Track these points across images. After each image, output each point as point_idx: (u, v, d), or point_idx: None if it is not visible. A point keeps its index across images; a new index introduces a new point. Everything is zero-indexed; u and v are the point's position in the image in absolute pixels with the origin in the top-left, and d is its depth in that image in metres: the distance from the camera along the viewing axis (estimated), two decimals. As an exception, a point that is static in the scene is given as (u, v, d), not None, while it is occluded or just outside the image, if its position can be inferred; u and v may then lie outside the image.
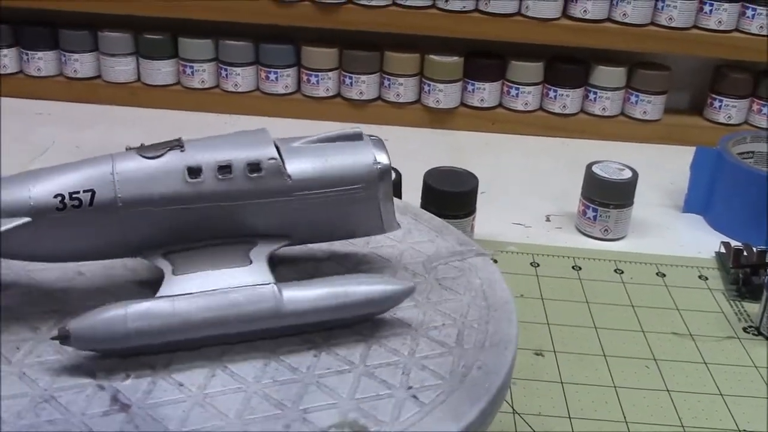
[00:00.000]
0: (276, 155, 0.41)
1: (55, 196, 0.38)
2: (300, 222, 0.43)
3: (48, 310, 0.41)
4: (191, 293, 0.39)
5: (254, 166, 0.41)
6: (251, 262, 0.41)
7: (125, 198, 0.39)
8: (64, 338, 0.37)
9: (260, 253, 0.42)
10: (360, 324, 0.42)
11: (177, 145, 0.40)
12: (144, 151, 0.40)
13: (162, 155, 0.40)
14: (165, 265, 0.40)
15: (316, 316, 0.40)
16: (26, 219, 0.38)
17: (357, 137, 0.44)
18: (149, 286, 0.42)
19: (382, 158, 0.43)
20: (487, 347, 0.41)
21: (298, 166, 0.42)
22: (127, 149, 0.41)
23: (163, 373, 0.38)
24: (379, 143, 0.44)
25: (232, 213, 0.41)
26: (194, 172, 0.40)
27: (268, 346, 0.40)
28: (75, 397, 0.36)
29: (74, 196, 0.38)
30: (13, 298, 0.42)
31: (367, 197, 0.43)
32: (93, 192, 0.39)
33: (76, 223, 0.39)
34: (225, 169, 0.40)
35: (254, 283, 0.40)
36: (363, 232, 0.45)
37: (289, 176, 0.41)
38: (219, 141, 0.42)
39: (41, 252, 0.40)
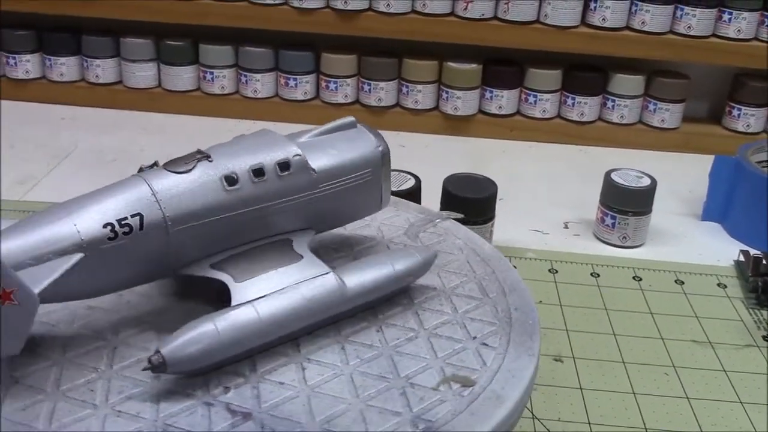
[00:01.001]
0: (300, 152, 0.43)
1: (105, 226, 0.37)
2: (322, 212, 0.45)
3: (92, 348, 0.40)
4: (265, 296, 0.39)
5: (284, 165, 0.42)
6: (302, 257, 0.42)
7: (173, 216, 0.39)
8: (158, 366, 0.36)
9: (302, 246, 0.43)
10: (396, 295, 0.45)
11: (204, 156, 0.41)
12: (172, 166, 0.40)
13: (193, 168, 0.40)
14: (222, 276, 0.40)
15: (373, 294, 0.43)
16: (79, 255, 0.36)
17: (352, 125, 0.46)
18: (174, 307, 0.43)
19: (381, 141, 0.47)
20: (507, 292, 0.47)
21: (317, 160, 0.44)
22: (146, 168, 0.41)
23: (257, 378, 0.38)
24: (371, 128, 0.47)
25: (267, 214, 0.42)
26: (231, 180, 0.40)
27: (331, 332, 0.42)
28: (191, 420, 0.36)
29: (123, 222, 0.37)
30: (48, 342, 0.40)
31: (374, 180, 0.46)
32: (141, 216, 0.38)
33: (127, 249, 0.38)
34: (258, 172, 0.41)
35: (315, 275, 0.41)
36: (365, 213, 0.48)
37: (314, 170, 0.43)
38: (239, 147, 0.42)
39: (92, 287, 0.38)
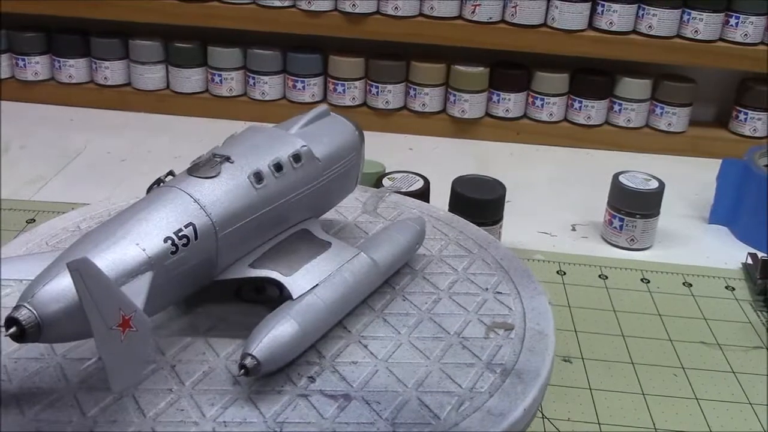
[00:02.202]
0: (306, 143, 0.44)
1: (165, 240, 0.37)
2: (323, 198, 0.46)
3: (148, 371, 0.39)
4: (318, 284, 0.40)
5: (296, 158, 0.43)
6: (330, 243, 0.43)
7: (218, 221, 0.39)
8: (254, 369, 0.36)
9: (320, 233, 0.44)
10: (401, 267, 0.48)
11: (224, 158, 0.41)
12: (198, 172, 0.40)
13: (221, 172, 0.40)
14: (269, 273, 0.41)
15: (396, 266, 0.46)
16: (150, 274, 0.36)
17: (326, 114, 0.47)
18: (176, 317, 0.43)
19: (356, 126, 0.49)
20: (484, 246, 0.52)
21: (316, 149, 0.45)
22: (164, 178, 0.41)
23: (330, 363, 0.40)
24: (342, 115, 0.49)
25: (288, 207, 0.43)
26: (259, 178, 0.41)
27: (365, 310, 0.44)
28: (300, 413, 0.36)
29: (181, 234, 0.37)
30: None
31: (356, 162, 0.49)
32: (193, 225, 0.38)
33: (187, 261, 0.38)
34: (278, 167, 0.42)
35: (350, 257, 0.43)
36: (346, 194, 0.50)
37: (319, 159, 0.44)
38: (249, 145, 0.43)
39: (155, 305, 0.37)
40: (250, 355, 0.36)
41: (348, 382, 0.38)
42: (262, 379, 0.38)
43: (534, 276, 0.49)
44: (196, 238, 0.38)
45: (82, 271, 0.30)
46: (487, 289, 0.47)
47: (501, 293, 0.47)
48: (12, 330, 0.32)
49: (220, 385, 0.38)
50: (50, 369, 0.38)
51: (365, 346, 0.41)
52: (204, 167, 0.40)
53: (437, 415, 0.37)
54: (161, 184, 0.41)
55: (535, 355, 0.41)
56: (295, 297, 0.39)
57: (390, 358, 0.40)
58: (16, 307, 0.32)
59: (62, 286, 0.32)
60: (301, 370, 0.39)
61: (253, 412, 0.36)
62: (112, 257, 0.35)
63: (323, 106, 0.48)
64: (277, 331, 0.37)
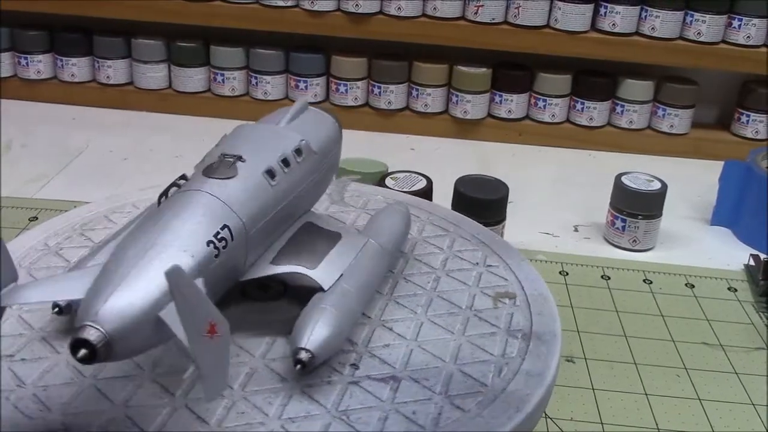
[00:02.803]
0: (303, 137, 0.44)
1: (208, 244, 0.36)
2: (318, 190, 0.47)
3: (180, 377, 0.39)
4: (343, 275, 0.41)
5: (298, 152, 0.43)
6: (339, 233, 0.44)
7: (247, 221, 0.39)
8: (309, 362, 0.36)
9: (325, 224, 0.45)
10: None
11: (236, 157, 0.41)
12: (215, 173, 0.39)
13: (237, 172, 0.40)
14: (293, 268, 0.41)
15: (397, 249, 0.48)
16: (200, 279, 0.35)
17: (306, 108, 0.47)
18: None
19: (335, 118, 0.49)
20: (455, 223, 0.55)
21: (312, 143, 0.45)
22: (180, 182, 0.40)
23: (364, 348, 0.41)
24: (320, 109, 0.49)
25: (295, 201, 0.43)
26: (272, 174, 0.41)
27: (376, 295, 0.45)
28: (358, 399, 0.37)
29: (220, 237, 0.37)
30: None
31: (339, 154, 0.50)
32: (228, 227, 0.37)
33: (225, 263, 0.37)
34: (286, 162, 0.42)
35: (362, 245, 0.44)
36: (328, 185, 0.50)
37: (316, 152, 0.45)
38: (251, 143, 0.43)
39: None
40: (304, 349, 0.36)
41: (389, 364, 0.40)
42: (300, 371, 0.38)
43: (511, 245, 0.52)
44: (232, 239, 0.37)
45: (178, 279, 0.30)
46: (477, 263, 0.50)
47: (491, 266, 0.50)
48: (82, 353, 0.30)
49: (269, 384, 0.38)
50: (87, 391, 0.36)
51: (391, 329, 0.43)
52: (219, 168, 0.40)
53: (483, 383, 0.39)
54: (176, 187, 0.40)
55: (544, 317, 0.45)
56: (326, 288, 0.40)
57: (418, 337, 0.42)
58: (80, 328, 0.31)
59: (125, 300, 0.32)
60: (341, 359, 0.40)
61: (312, 404, 0.36)
62: (167, 266, 0.34)
63: (303, 101, 0.48)
64: (323, 322, 0.38)
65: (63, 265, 0.47)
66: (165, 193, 0.41)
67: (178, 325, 0.30)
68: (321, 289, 0.40)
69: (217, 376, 0.31)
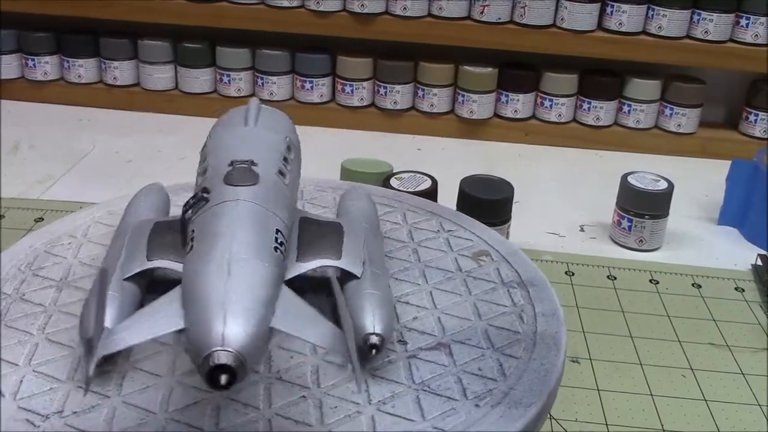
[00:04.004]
0: (288, 134, 0.44)
1: (276, 251, 0.36)
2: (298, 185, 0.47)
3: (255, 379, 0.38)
4: (366, 261, 0.42)
5: (289, 149, 0.43)
6: (340, 224, 0.44)
7: (287, 223, 0.39)
8: (381, 344, 0.37)
9: (319, 216, 0.45)
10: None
11: (250, 162, 0.40)
12: (238, 181, 0.39)
13: (259, 177, 0.39)
14: (322, 262, 0.41)
15: (378, 225, 0.48)
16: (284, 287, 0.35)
17: (260, 107, 0.46)
18: None
19: (285, 114, 0.48)
20: (404, 200, 0.55)
21: (290, 138, 0.45)
22: (203, 195, 0.39)
23: (398, 325, 0.42)
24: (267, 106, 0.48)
25: (294, 197, 0.43)
26: (283, 175, 0.41)
27: None
28: (426, 369, 0.39)
29: (279, 241, 0.37)
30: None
31: (299, 147, 0.49)
32: (279, 231, 0.38)
33: (283, 268, 0.37)
34: (286, 161, 0.42)
35: (363, 231, 0.45)
36: None
37: (297, 148, 0.45)
38: (248, 146, 0.42)
39: None
40: (373, 333, 0.37)
41: (429, 333, 0.41)
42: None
43: (454, 211, 0.54)
44: (286, 240, 0.38)
45: (336, 285, 0.32)
46: (438, 231, 0.51)
47: (451, 230, 0.51)
48: (225, 378, 0.30)
49: (339, 376, 0.38)
50: (170, 425, 0.35)
51: (408, 303, 0.44)
52: (240, 176, 0.39)
53: (516, 330, 0.42)
54: (204, 201, 0.39)
55: (525, 264, 0.48)
56: (359, 275, 0.41)
57: (437, 305, 0.43)
58: (208, 357, 0.30)
59: (242, 317, 0.31)
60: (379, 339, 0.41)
61: (391, 384, 0.37)
62: (258, 279, 0.34)
63: (256, 100, 0.47)
64: (378, 305, 0.38)
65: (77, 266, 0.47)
66: (191, 206, 0.39)
67: (296, 329, 0.32)
68: (354, 277, 0.41)
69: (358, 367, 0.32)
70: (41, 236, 0.48)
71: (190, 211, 0.39)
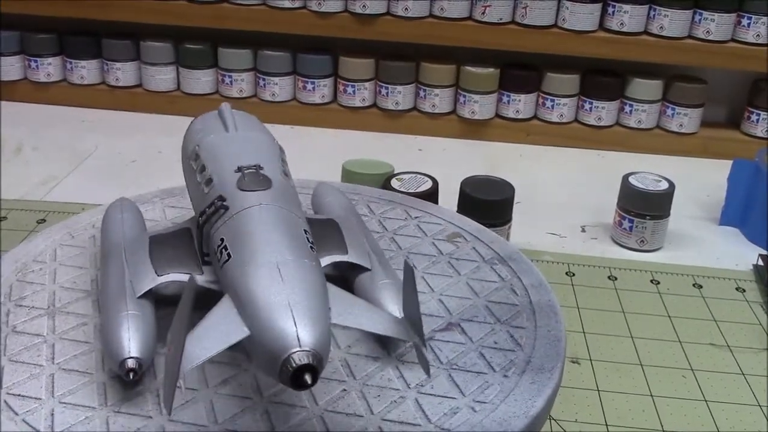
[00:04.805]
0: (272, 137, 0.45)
1: (312, 250, 0.37)
2: None
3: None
4: (369, 251, 0.43)
5: (281, 149, 0.44)
6: (332, 219, 0.45)
7: (306, 223, 0.40)
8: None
9: (311, 214, 0.46)
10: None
11: (257, 167, 0.41)
12: (251, 187, 0.39)
13: (271, 181, 0.40)
14: (333, 257, 0.42)
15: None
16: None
17: (231, 111, 0.46)
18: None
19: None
20: (363, 194, 0.56)
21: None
22: (219, 203, 0.39)
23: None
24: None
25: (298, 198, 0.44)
26: (287, 176, 0.42)
27: None
28: (449, 349, 0.41)
29: (311, 241, 0.37)
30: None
31: None
32: (306, 231, 0.38)
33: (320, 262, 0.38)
34: (284, 162, 0.43)
35: (356, 225, 0.46)
36: None
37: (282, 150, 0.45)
38: (247, 150, 0.42)
39: None
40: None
41: (437, 315, 0.43)
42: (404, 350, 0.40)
43: (412, 197, 0.57)
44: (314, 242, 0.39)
45: (409, 273, 0.34)
46: (406, 218, 0.53)
47: (419, 216, 0.54)
48: (308, 377, 0.30)
49: (370, 368, 0.39)
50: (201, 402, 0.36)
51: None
52: (253, 181, 0.39)
53: (513, 303, 0.44)
54: (223, 209, 0.39)
55: (497, 241, 0.51)
56: (371, 268, 0.42)
57: (434, 289, 0.46)
58: (287, 358, 0.30)
59: (310, 317, 0.32)
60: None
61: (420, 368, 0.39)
62: (313, 279, 0.34)
63: (227, 104, 0.47)
64: (398, 294, 0.40)
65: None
66: (210, 216, 0.39)
67: (356, 322, 0.34)
68: (364, 269, 0.42)
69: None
70: (6, 264, 0.47)
71: (209, 221, 0.39)
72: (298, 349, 0.30)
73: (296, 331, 0.31)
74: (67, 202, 0.77)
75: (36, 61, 1.03)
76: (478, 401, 0.37)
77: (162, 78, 1.03)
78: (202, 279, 0.40)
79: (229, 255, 0.36)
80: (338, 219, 0.45)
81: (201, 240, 0.40)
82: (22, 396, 0.36)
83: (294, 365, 0.30)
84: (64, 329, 0.41)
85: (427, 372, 0.35)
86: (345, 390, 0.37)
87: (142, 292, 0.39)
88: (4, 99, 1.04)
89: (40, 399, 0.36)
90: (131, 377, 0.35)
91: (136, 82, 1.05)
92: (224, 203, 0.38)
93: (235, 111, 0.46)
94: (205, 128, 0.44)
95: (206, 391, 0.37)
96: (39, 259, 0.47)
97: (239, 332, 0.32)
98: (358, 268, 0.42)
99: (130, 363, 0.35)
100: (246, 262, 0.35)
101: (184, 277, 0.39)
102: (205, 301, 0.41)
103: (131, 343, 0.36)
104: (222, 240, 0.37)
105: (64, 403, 0.36)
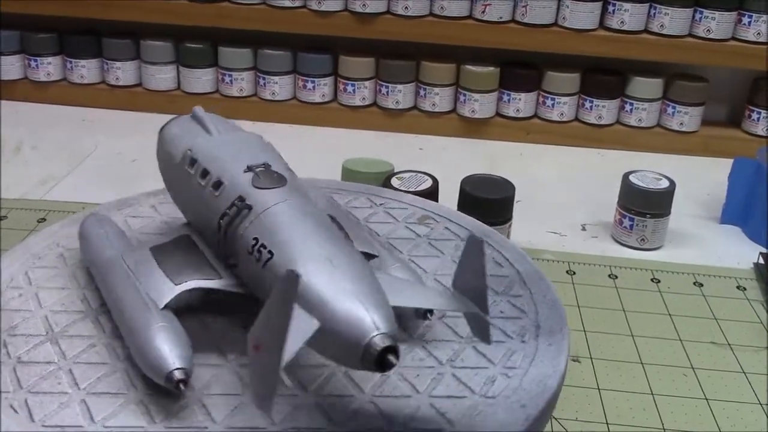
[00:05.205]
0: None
1: (346, 236, 0.39)
2: None
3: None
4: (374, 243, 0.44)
5: (272, 147, 0.45)
6: (330, 215, 0.44)
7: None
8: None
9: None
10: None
11: (266, 165, 0.41)
12: (266, 184, 0.39)
13: (281, 182, 0.40)
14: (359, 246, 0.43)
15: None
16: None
17: (200, 114, 0.45)
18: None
19: None
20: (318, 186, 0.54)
21: None
22: (241, 204, 0.39)
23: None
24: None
25: None
26: (291, 171, 0.42)
27: None
28: (435, 331, 0.42)
29: (339, 227, 0.40)
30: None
31: None
32: (337, 222, 0.40)
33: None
34: (280, 158, 0.43)
35: (347, 215, 0.47)
36: None
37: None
38: (247, 150, 0.42)
39: None
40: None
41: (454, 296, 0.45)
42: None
43: (367, 185, 0.58)
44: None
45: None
46: (372, 206, 0.55)
47: (383, 203, 0.55)
48: (393, 357, 0.32)
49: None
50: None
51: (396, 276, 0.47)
52: (269, 179, 0.39)
53: (505, 275, 0.47)
54: (248, 209, 0.39)
55: (464, 219, 0.53)
56: (378, 254, 0.42)
57: (426, 270, 0.47)
58: (369, 343, 0.31)
59: (378, 302, 0.33)
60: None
61: (445, 344, 0.41)
62: (362, 269, 0.35)
63: (200, 108, 0.46)
64: (412, 276, 0.41)
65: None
66: (233, 218, 0.39)
67: (412, 301, 0.36)
68: (373, 256, 0.42)
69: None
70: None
71: (232, 224, 0.39)
72: (376, 332, 0.32)
73: (370, 316, 0.32)
74: (67, 201, 0.77)
75: (36, 61, 1.03)
76: (508, 368, 0.39)
77: (162, 77, 1.03)
78: (224, 283, 0.39)
79: (270, 253, 0.36)
80: (339, 213, 0.45)
81: (223, 243, 0.39)
82: (61, 427, 0.35)
83: (378, 349, 0.31)
84: (75, 353, 0.39)
85: (488, 341, 0.35)
86: (384, 375, 0.38)
87: (165, 303, 0.38)
88: (3, 98, 1.04)
89: (81, 426, 0.35)
90: (182, 388, 0.35)
91: (136, 81, 1.04)
92: (246, 203, 0.38)
93: (209, 114, 0.45)
94: (185, 133, 0.44)
95: (246, 395, 0.37)
96: (14, 285, 0.44)
97: (310, 325, 0.32)
98: (365, 256, 0.42)
99: (178, 374, 0.35)
100: (294, 258, 0.35)
101: (204, 283, 0.39)
102: (227, 305, 0.42)
103: (173, 354, 0.35)
104: (256, 239, 0.37)
105: (110, 427, 0.35)
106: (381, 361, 0.31)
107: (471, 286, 0.35)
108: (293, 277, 0.29)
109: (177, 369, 0.35)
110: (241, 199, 0.38)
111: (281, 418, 0.35)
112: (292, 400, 0.36)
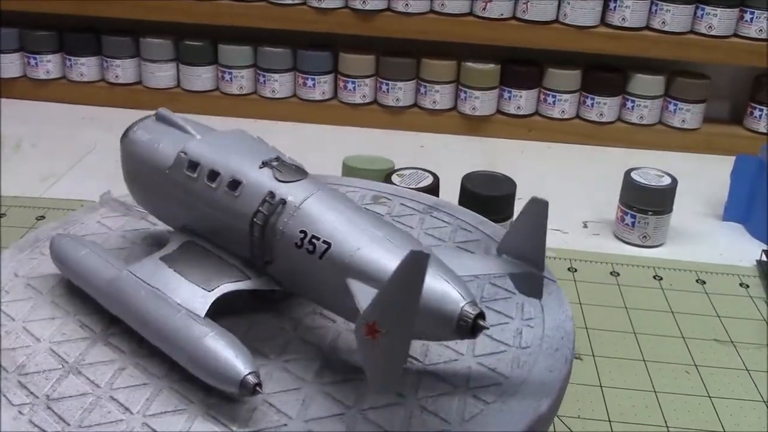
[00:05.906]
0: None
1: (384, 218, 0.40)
2: None
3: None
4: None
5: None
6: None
7: None
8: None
9: None
10: None
11: (279, 160, 0.41)
12: (287, 177, 0.39)
13: (303, 174, 0.40)
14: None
15: None
16: None
17: (170, 115, 0.45)
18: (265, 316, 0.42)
19: None
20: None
21: None
22: (275, 200, 0.39)
23: None
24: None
25: None
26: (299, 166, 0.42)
27: None
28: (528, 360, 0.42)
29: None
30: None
31: None
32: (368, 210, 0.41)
33: None
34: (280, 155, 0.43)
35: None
36: None
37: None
38: (249, 148, 0.42)
39: None
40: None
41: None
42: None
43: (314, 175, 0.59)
44: None
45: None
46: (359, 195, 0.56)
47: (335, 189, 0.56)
48: (486, 322, 0.34)
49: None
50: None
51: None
52: (289, 172, 0.39)
53: (476, 239, 0.50)
54: (282, 203, 0.38)
55: (412, 193, 0.56)
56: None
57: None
58: (462, 313, 0.33)
59: (452, 278, 0.35)
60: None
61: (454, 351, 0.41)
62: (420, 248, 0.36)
63: (166, 109, 0.46)
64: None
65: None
66: (270, 214, 0.38)
67: (475, 269, 0.39)
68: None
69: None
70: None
71: (269, 220, 0.38)
72: (464, 302, 0.33)
73: (455, 289, 0.34)
74: (67, 198, 0.77)
75: (35, 58, 1.03)
76: (527, 320, 0.43)
77: (162, 75, 1.03)
78: (255, 283, 0.39)
79: (326, 243, 0.36)
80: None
81: (259, 242, 0.38)
82: None
83: (471, 317, 0.33)
84: (107, 380, 0.37)
85: (540, 296, 0.38)
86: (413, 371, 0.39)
87: (206, 310, 0.37)
88: (3, 96, 1.03)
89: None
90: (259, 392, 0.34)
91: (136, 79, 1.04)
92: (280, 198, 0.38)
93: (175, 114, 0.45)
94: (162, 136, 0.43)
95: (310, 385, 0.38)
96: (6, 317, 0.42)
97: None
98: None
99: (252, 378, 0.34)
100: (356, 245, 0.36)
101: (236, 286, 0.39)
102: (238, 306, 0.42)
103: (239, 360, 0.35)
104: (304, 232, 0.37)
105: None
106: (474, 327, 0.33)
107: (527, 243, 0.37)
108: (422, 257, 0.29)
109: (250, 374, 0.34)
110: (272, 194, 0.38)
111: (367, 406, 0.36)
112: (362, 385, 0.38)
